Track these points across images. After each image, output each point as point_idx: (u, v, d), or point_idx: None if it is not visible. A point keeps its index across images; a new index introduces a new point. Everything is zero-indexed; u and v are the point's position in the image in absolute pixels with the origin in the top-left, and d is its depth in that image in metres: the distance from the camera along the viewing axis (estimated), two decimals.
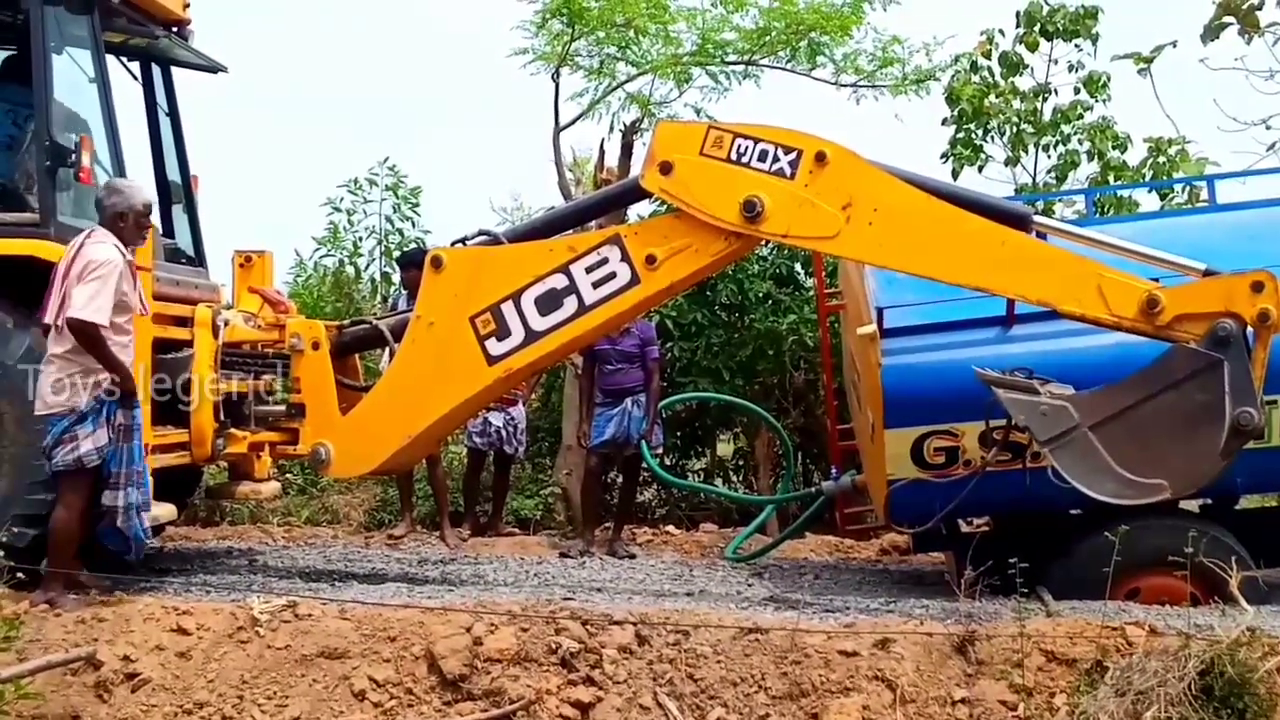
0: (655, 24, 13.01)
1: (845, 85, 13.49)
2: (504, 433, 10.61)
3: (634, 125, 13.02)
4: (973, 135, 13.05)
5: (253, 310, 8.51)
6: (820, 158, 6.97)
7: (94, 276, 6.69)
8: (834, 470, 9.44)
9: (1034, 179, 13.11)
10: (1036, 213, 7.12)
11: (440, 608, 6.62)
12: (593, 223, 8.48)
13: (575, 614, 6.42)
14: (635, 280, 7.31)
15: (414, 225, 14.70)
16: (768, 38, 13.14)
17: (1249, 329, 6.47)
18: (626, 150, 12.81)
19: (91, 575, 7.15)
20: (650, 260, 7.25)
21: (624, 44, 13.13)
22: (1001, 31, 12.89)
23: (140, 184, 7.30)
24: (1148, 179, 12.38)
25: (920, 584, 8.80)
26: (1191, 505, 7.81)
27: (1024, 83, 13.02)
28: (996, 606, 6.88)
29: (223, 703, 6.07)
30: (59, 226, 7.48)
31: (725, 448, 13.60)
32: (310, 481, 12.40)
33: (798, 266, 12.51)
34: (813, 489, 10.19)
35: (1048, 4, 12.61)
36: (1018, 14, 12.71)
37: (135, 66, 8.91)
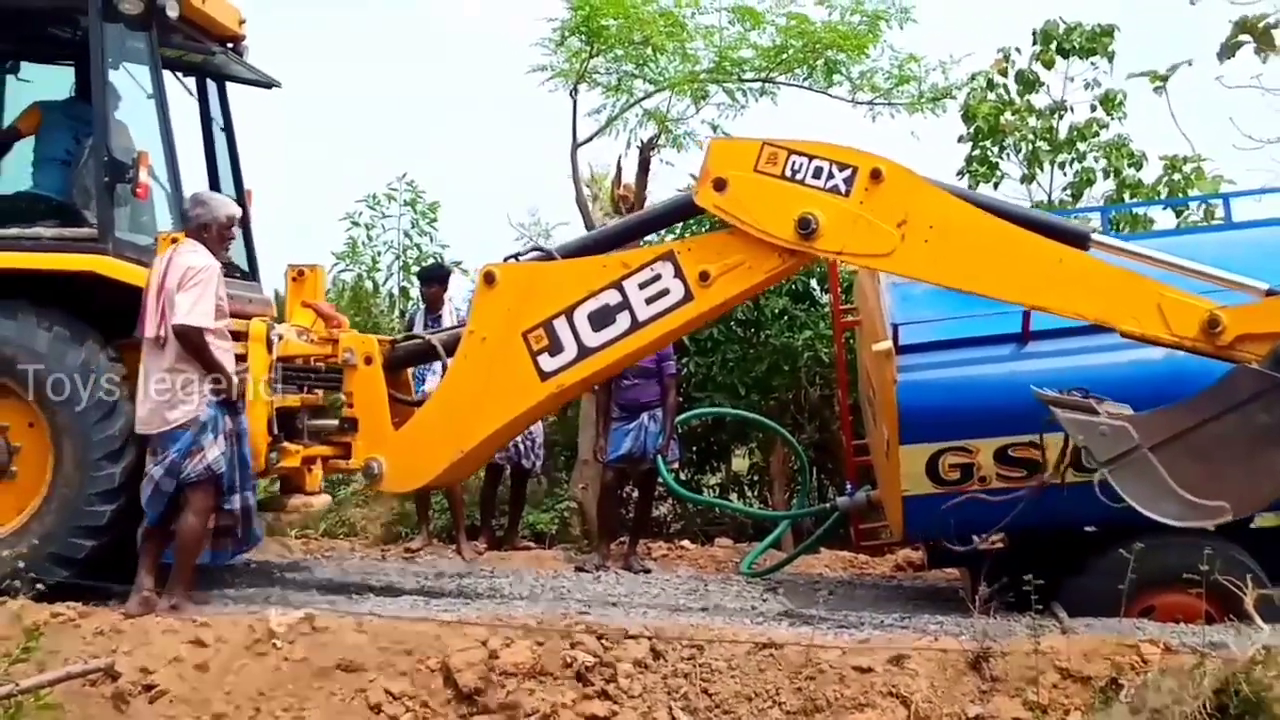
0: (673, 42, 13.04)
1: (862, 103, 13.49)
2: (521, 447, 10.64)
3: (651, 142, 13.04)
4: (989, 153, 13.07)
5: (306, 324, 8.54)
6: (875, 175, 6.95)
7: (194, 282, 6.81)
8: (849, 486, 9.44)
9: (1050, 196, 13.12)
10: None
11: (456, 621, 6.64)
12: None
13: (590, 628, 6.44)
14: (689, 297, 7.29)
15: (432, 240, 14.76)
16: (785, 55, 13.16)
17: None
18: (644, 167, 12.83)
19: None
20: (704, 277, 7.24)
21: (642, 61, 13.17)
22: (1018, 49, 12.93)
23: (225, 197, 7.38)
24: (1163, 197, 12.38)
25: (935, 600, 8.79)
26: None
27: (1040, 100, 13.07)
28: (1011, 623, 6.87)
29: (240, 715, 6.10)
30: (116, 242, 7.55)
31: (741, 463, 13.60)
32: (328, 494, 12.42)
33: (813, 282, 12.53)
34: (828, 504, 10.20)
35: (1064, 22, 12.64)
36: (1034, 32, 12.74)
37: (190, 82, 8.95)
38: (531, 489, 11.79)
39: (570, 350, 7.42)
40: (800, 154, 7.08)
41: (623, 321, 7.37)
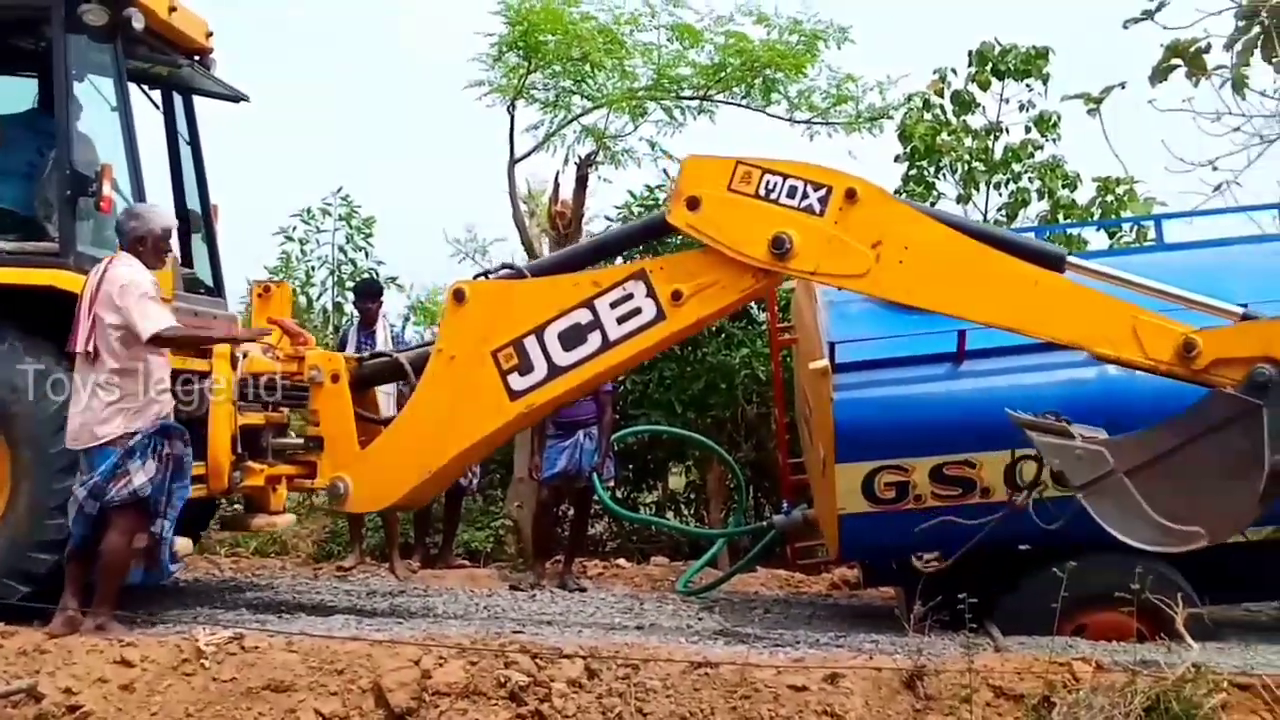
0: (611, 59, 13.05)
1: (799, 122, 13.57)
2: None
3: (589, 158, 13.04)
4: (925, 173, 13.16)
5: (271, 341, 8.47)
6: (850, 195, 6.88)
7: (137, 295, 6.69)
8: (785, 504, 9.45)
9: (985, 216, 13.22)
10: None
11: (388, 640, 6.56)
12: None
13: (525, 647, 6.38)
14: (661, 316, 7.20)
15: (367, 256, 14.70)
16: (723, 74, 13.22)
17: None
18: (581, 183, 12.82)
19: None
20: (676, 296, 7.15)
21: (580, 78, 13.17)
22: (954, 70, 13.04)
23: (161, 209, 7.26)
24: (1096, 218, 12.52)
25: (870, 619, 8.80)
26: None
27: (976, 121, 13.17)
28: (945, 642, 6.89)
29: None
30: (78, 256, 7.42)
31: (677, 481, 13.60)
32: None
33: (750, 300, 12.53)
34: (764, 523, 10.20)
35: (999, 44, 12.76)
36: (970, 53, 12.85)
37: (157, 95, 8.85)
38: (466, 506, 11.73)
39: (540, 369, 7.33)
40: (774, 173, 7.01)
41: (594, 341, 7.28)
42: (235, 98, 9.03)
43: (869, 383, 7.65)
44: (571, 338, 7.29)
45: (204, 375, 7.73)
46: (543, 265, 7.99)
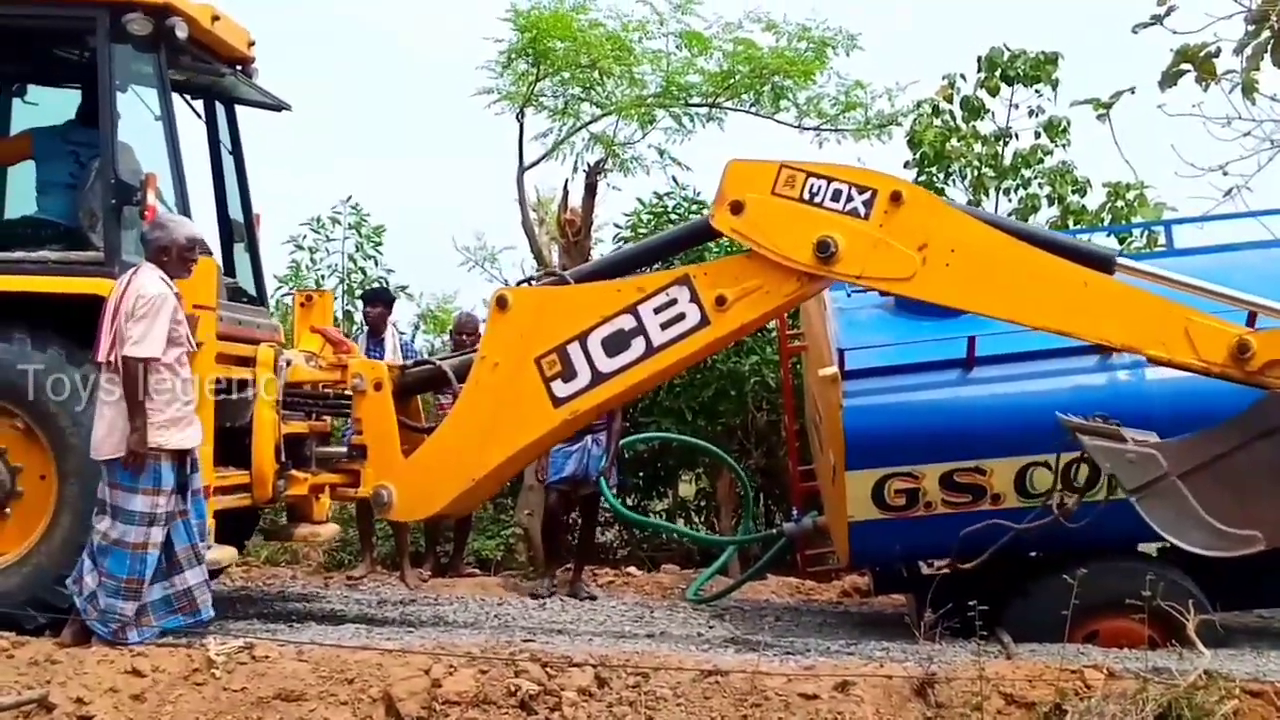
0: (620, 66, 13.08)
1: (808, 128, 13.60)
2: None
3: (598, 166, 13.06)
4: (934, 179, 13.13)
5: (313, 350, 8.43)
6: (895, 197, 6.82)
7: (144, 312, 6.60)
8: (795, 512, 9.44)
9: None
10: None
11: (399, 649, 6.56)
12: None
13: (535, 656, 6.37)
14: (705, 322, 7.12)
15: (376, 264, 14.65)
16: (732, 81, 13.25)
17: None
18: (590, 191, 12.84)
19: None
20: (720, 301, 7.08)
21: (589, 85, 13.20)
22: (963, 76, 13.02)
23: (185, 219, 7.22)
24: (1106, 223, 12.49)
25: (881, 626, 8.79)
26: (1149, 548, 7.84)
27: (985, 127, 13.15)
28: (956, 649, 6.88)
29: None
30: (123, 265, 7.38)
31: (687, 488, 13.59)
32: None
33: None
34: (774, 530, 10.19)
35: (1009, 50, 12.74)
36: (979, 59, 12.84)
37: (199, 104, 8.82)
38: (476, 515, 11.72)
39: (584, 376, 7.26)
40: (819, 176, 6.94)
41: (637, 347, 7.21)
42: (278, 106, 9.00)
43: (879, 389, 7.65)
44: (615, 344, 7.22)
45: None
46: (585, 271, 7.90)
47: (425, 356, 10.38)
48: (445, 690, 6.09)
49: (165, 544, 6.73)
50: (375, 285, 13.59)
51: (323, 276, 14.85)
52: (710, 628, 8.63)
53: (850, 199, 6.88)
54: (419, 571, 10.63)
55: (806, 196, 6.94)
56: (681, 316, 7.16)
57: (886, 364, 7.65)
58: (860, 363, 7.61)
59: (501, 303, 7.46)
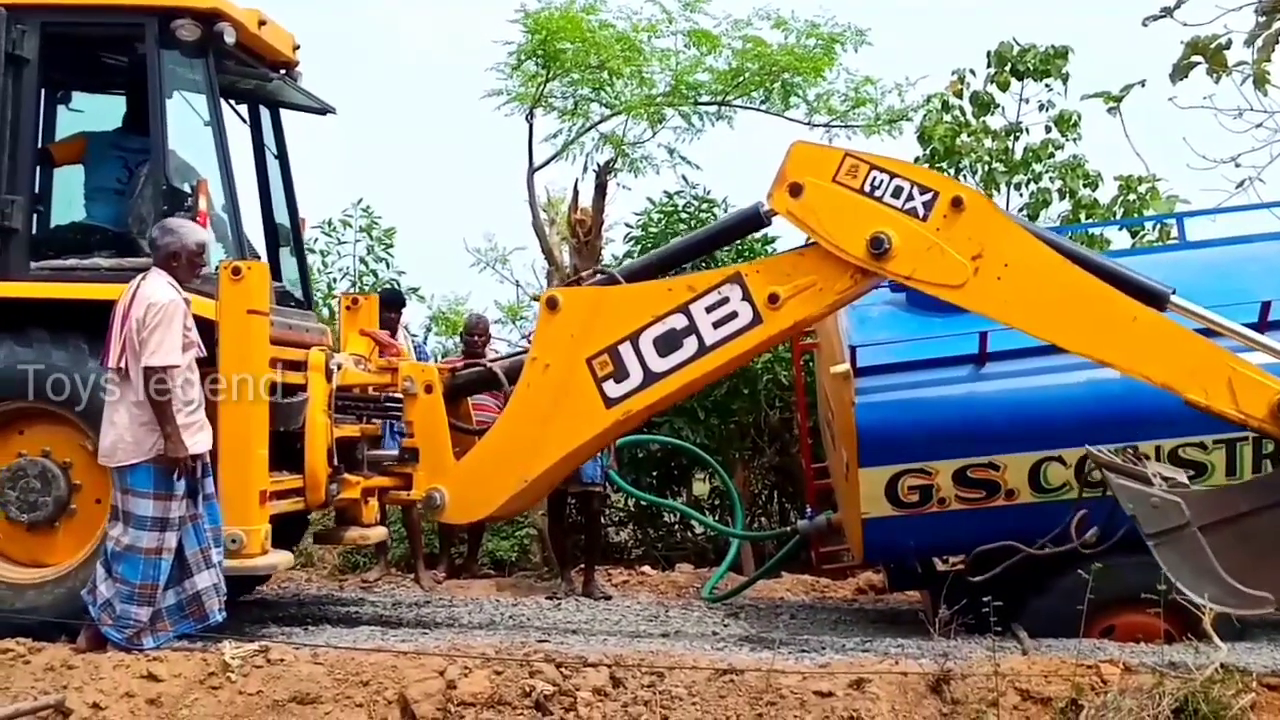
0: (629, 66, 13.08)
1: (818, 125, 13.59)
2: None
3: (607, 166, 13.07)
4: (945, 174, 13.10)
5: (362, 353, 8.44)
6: (957, 203, 6.76)
7: (157, 321, 6.58)
8: (809, 509, 9.43)
9: None
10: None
11: (413, 651, 6.57)
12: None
13: (549, 656, 6.38)
14: (758, 320, 7.09)
15: (388, 266, 14.68)
16: (741, 79, 13.24)
17: None
18: (600, 191, 12.86)
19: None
20: (773, 299, 7.04)
21: (598, 85, 13.20)
22: (972, 71, 12.99)
23: (194, 224, 7.17)
24: (1118, 217, 12.45)
25: (896, 623, 8.78)
26: None
27: (995, 122, 13.11)
28: (972, 645, 6.87)
29: None
30: None
31: (701, 487, 13.58)
32: None
33: None
34: (788, 528, 10.17)
35: (1018, 44, 12.70)
36: (988, 54, 12.80)
37: (244, 109, 8.83)
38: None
39: (636, 376, 7.24)
40: (882, 170, 6.90)
41: (689, 346, 7.18)
42: (322, 110, 9.00)
43: (891, 386, 7.64)
44: (667, 343, 7.20)
45: (299, 388, 7.70)
46: (635, 269, 7.84)
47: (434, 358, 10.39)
48: (460, 691, 6.09)
49: (177, 548, 6.75)
50: (387, 288, 13.61)
51: (334, 280, 14.88)
52: (725, 626, 8.63)
53: (911, 198, 6.83)
54: (433, 573, 10.64)
55: (867, 189, 6.90)
56: (734, 315, 7.13)
57: (899, 360, 7.64)
58: (872, 359, 7.60)
59: (552, 304, 7.45)
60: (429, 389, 7.83)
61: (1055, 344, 6.79)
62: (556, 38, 12.73)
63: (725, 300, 7.14)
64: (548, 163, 13.51)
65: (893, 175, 6.89)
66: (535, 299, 14.62)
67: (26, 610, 7.16)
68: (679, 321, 7.20)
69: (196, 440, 6.74)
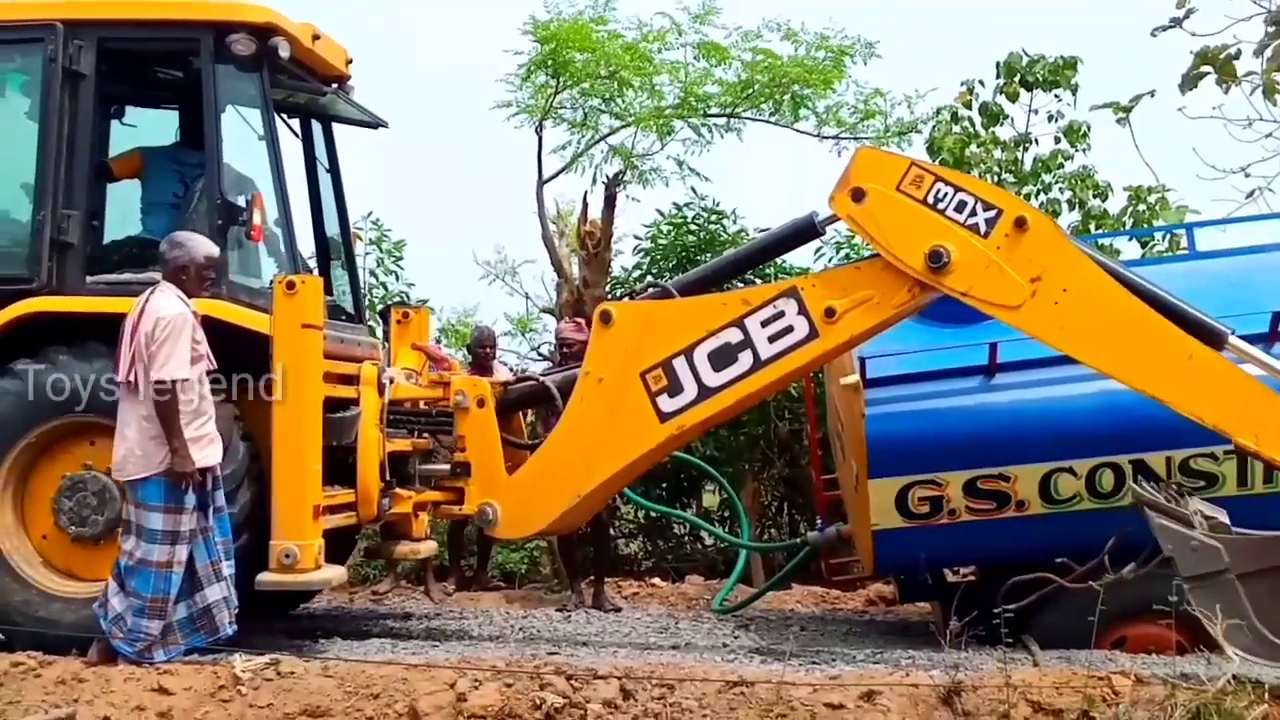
0: (639, 76, 13.10)
1: (828, 137, 13.60)
2: None
3: (616, 178, 13.09)
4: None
5: (414, 367, 8.43)
6: (1020, 223, 6.64)
7: (165, 335, 6.59)
8: (819, 521, 9.41)
9: None
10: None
11: (423, 664, 6.57)
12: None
13: (560, 669, 6.37)
14: (814, 334, 7.00)
15: (398, 279, 14.69)
16: (750, 91, 13.25)
17: None
18: (609, 203, 12.87)
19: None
20: (830, 313, 6.95)
21: (609, 95, 13.22)
22: (981, 82, 12.98)
23: (202, 237, 7.16)
24: (1128, 227, 12.44)
25: (907, 635, 8.76)
26: None
27: (1005, 133, 13.10)
28: (983, 657, 6.85)
29: None
30: (230, 285, 7.47)
31: (711, 499, 13.57)
32: None
33: None
34: (799, 539, 10.16)
35: (1027, 55, 12.71)
36: (998, 65, 12.80)
37: (295, 123, 8.86)
38: None
39: (690, 390, 7.16)
40: (947, 183, 6.81)
41: (745, 360, 7.10)
42: (375, 124, 9.02)
43: (901, 397, 7.64)
44: (722, 358, 7.13)
45: (351, 402, 7.71)
46: (688, 282, 7.79)
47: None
48: (470, 704, 6.09)
49: (188, 562, 6.75)
50: (396, 300, 13.63)
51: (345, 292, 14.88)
52: (735, 638, 8.61)
53: (974, 213, 6.73)
54: (444, 585, 10.64)
55: (931, 200, 6.80)
56: (790, 329, 7.05)
57: (908, 371, 7.63)
58: (882, 370, 7.59)
59: (605, 317, 7.39)
60: (481, 403, 7.78)
61: (1105, 374, 6.70)
62: (566, 47, 12.76)
63: (781, 314, 7.06)
64: (557, 175, 13.55)
65: (957, 189, 6.80)
66: (545, 311, 14.67)
67: (49, 621, 7.19)
68: (734, 336, 7.12)
69: (206, 453, 6.75)
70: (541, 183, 13.30)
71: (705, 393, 7.16)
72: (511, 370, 11.53)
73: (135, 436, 6.67)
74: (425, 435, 8.27)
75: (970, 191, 6.79)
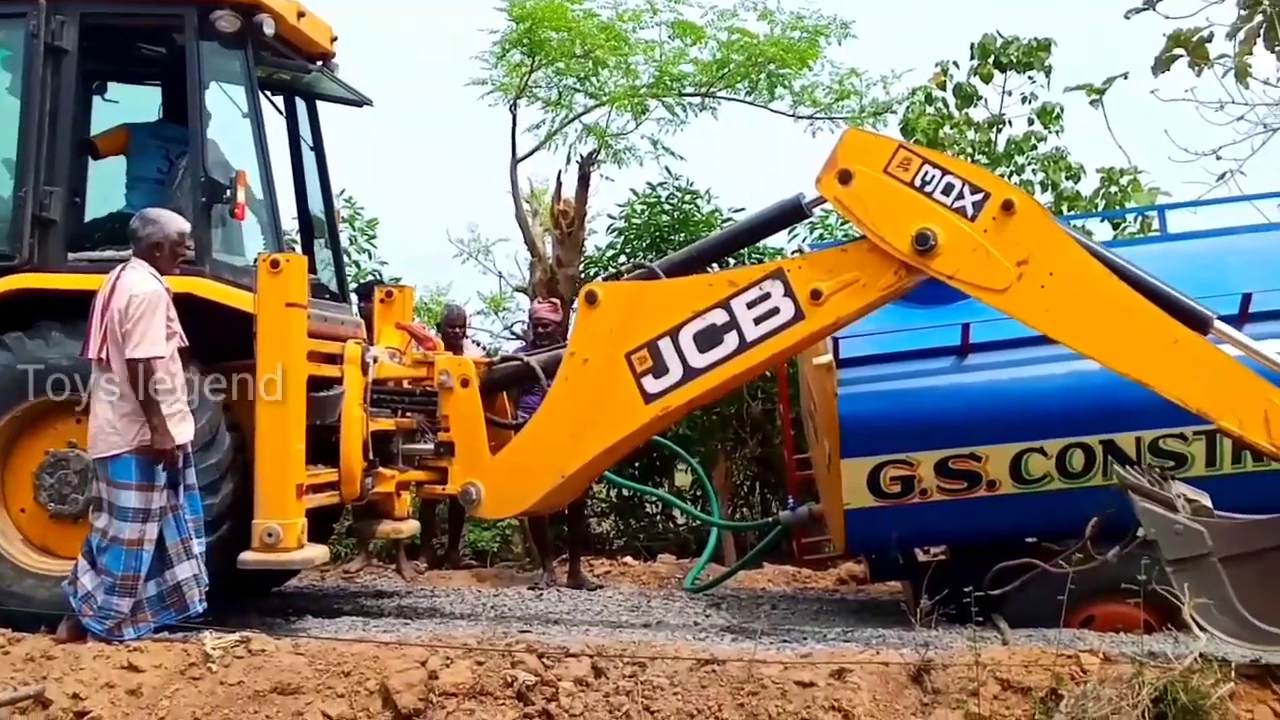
0: (614, 55, 13.06)
1: (803, 117, 13.59)
2: None
3: (591, 157, 13.05)
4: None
5: (397, 346, 8.39)
6: (1008, 206, 6.63)
7: (140, 312, 6.54)
8: (791, 500, 9.44)
9: None
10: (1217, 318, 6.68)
11: (395, 642, 6.57)
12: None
13: (531, 647, 6.38)
14: (799, 316, 6.98)
15: (370, 257, 14.65)
16: (726, 70, 13.23)
17: None
18: (584, 182, 12.84)
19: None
20: (815, 295, 6.93)
21: (584, 74, 13.18)
22: (956, 64, 13.01)
23: (175, 214, 7.09)
24: (1101, 209, 12.49)
25: (877, 613, 8.79)
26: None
27: (978, 114, 13.14)
28: (952, 635, 6.88)
29: None
30: (213, 263, 7.44)
31: (684, 478, 13.59)
32: None
33: None
34: (770, 519, 10.18)
35: (1001, 36, 12.73)
36: (972, 46, 12.83)
37: (278, 100, 8.81)
38: None
39: (675, 372, 7.14)
40: (934, 165, 6.79)
41: (730, 342, 7.08)
42: (360, 102, 8.97)
43: (873, 377, 7.66)
44: (707, 339, 7.11)
45: (335, 381, 7.67)
46: (675, 262, 7.77)
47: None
48: (442, 682, 6.09)
49: (158, 539, 6.73)
50: (369, 279, 13.58)
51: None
52: (707, 616, 8.63)
53: (961, 196, 6.71)
54: (415, 564, 10.64)
55: (918, 183, 6.77)
56: (775, 311, 7.03)
57: (881, 352, 7.65)
58: (855, 350, 7.61)
59: (591, 298, 7.37)
60: (465, 383, 7.79)
61: (1090, 357, 6.70)
62: (541, 26, 12.70)
63: (767, 296, 7.04)
64: (531, 154, 13.50)
65: (945, 172, 6.78)
66: (518, 290, 14.63)
67: (20, 597, 7.19)
68: (719, 317, 7.10)
69: (179, 430, 6.72)
70: (515, 161, 13.25)
71: (690, 374, 7.15)
72: (484, 350, 11.52)
73: (106, 414, 6.63)
74: (409, 414, 8.26)
75: (958, 174, 6.77)
